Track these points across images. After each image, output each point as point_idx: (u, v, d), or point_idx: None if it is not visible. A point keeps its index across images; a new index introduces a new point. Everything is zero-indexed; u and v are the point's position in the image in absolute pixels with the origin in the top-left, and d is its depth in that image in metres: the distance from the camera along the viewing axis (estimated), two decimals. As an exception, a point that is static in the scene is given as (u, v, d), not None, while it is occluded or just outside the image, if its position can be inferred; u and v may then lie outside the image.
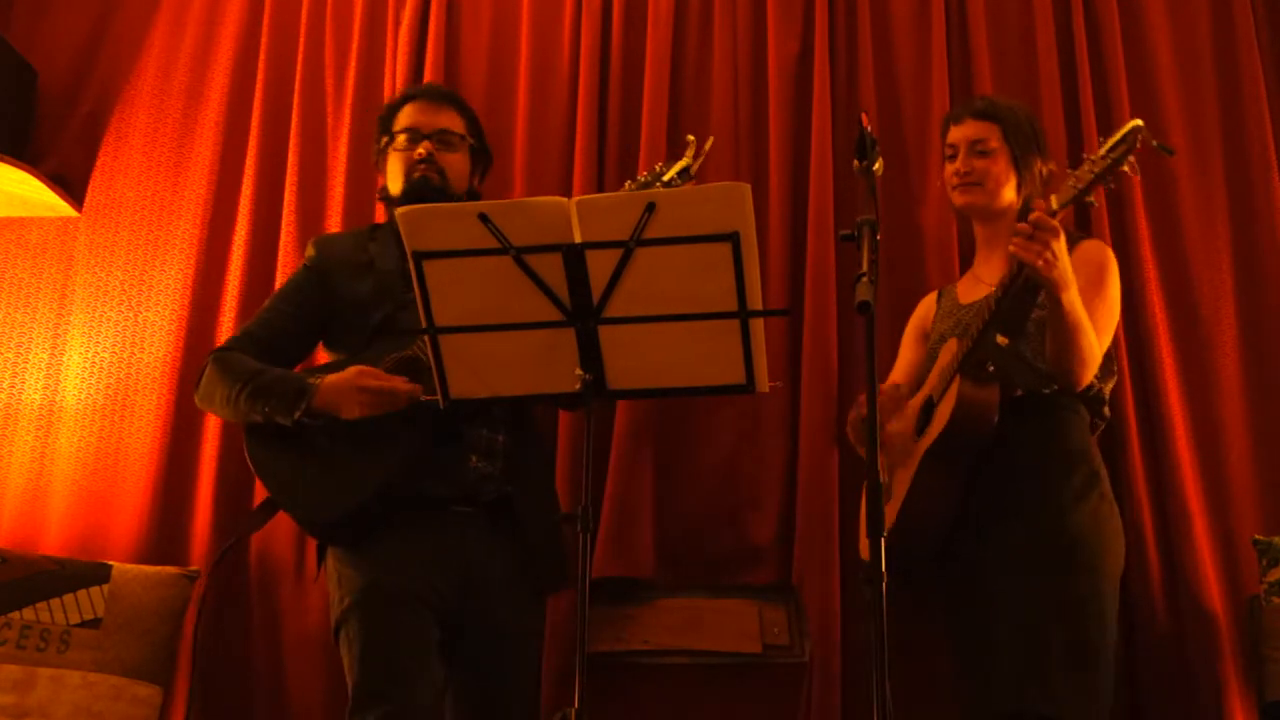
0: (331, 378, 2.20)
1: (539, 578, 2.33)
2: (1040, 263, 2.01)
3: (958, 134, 2.45)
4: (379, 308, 2.31)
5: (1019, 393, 2.25)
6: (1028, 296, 2.20)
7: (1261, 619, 2.61)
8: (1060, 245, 2.03)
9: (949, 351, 2.32)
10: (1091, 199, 2.04)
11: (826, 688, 2.73)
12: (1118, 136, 1.99)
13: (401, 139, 2.46)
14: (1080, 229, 2.94)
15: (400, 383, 2.17)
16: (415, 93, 2.56)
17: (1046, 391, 2.26)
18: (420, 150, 2.43)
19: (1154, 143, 1.98)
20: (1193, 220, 3.05)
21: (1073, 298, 2.09)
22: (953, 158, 2.45)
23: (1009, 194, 2.42)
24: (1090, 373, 2.21)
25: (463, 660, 2.25)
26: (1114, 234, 2.98)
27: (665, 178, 2.34)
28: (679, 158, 2.40)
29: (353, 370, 2.19)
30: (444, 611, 2.19)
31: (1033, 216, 2.02)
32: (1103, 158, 2.00)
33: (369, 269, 2.38)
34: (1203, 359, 2.96)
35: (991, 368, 2.19)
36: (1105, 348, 2.27)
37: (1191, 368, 2.95)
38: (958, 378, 2.19)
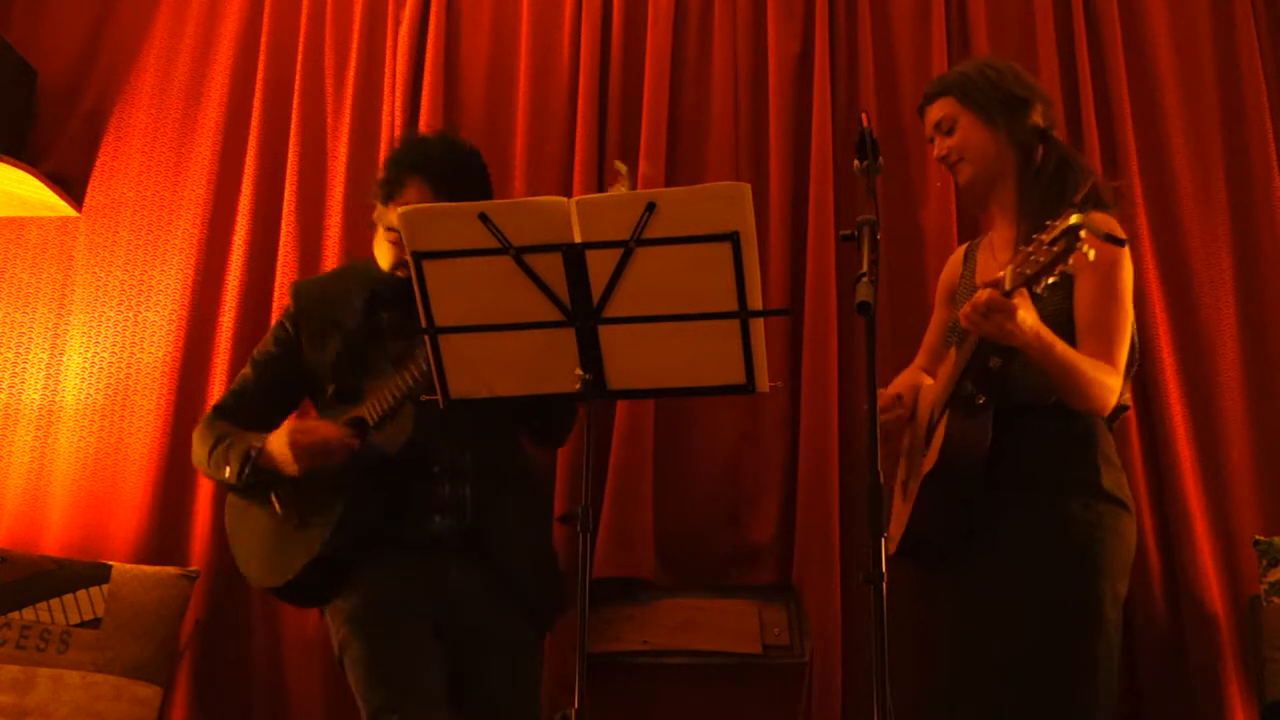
0: (271, 436, 2.23)
1: (527, 609, 2.30)
2: (998, 336, 1.94)
3: (927, 125, 2.40)
4: (335, 379, 2.32)
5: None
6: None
7: (1261, 619, 2.61)
8: (1021, 316, 1.92)
9: (949, 362, 2.26)
10: (1041, 290, 1.85)
11: (826, 688, 2.73)
12: (1056, 231, 1.79)
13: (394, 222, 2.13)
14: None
15: (332, 431, 2.19)
16: (426, 167, 2.26)
17: (1050, 401, 2.17)
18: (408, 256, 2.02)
19: (1101, 236, 1.75)
20: (1193, 220, 3.05)
21: (1045, 352, 2.00)
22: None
23: (994, 151, 2.29)
24: (1106, 398, 2.10)
25: (458, 677, 2.25)
26: (1114, 234, 2.98)
27: None
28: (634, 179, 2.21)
29: (286, 426, 2.23)
30: (437, 624, 2.21)
31: (985, 297, 1.90)
32: (1049, 245, 1.81)
33: (335, 329, 2.33)
34: (1203, 359, 2.96)
35: (981, 399, 2.12)
36: (1125, 348, 2.15)
37: (1191, 368, 2.95)
38: (947, 411, 2.14)
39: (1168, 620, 2.76)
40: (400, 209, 1.92)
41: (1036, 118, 2.29)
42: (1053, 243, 1.79)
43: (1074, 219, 1.76)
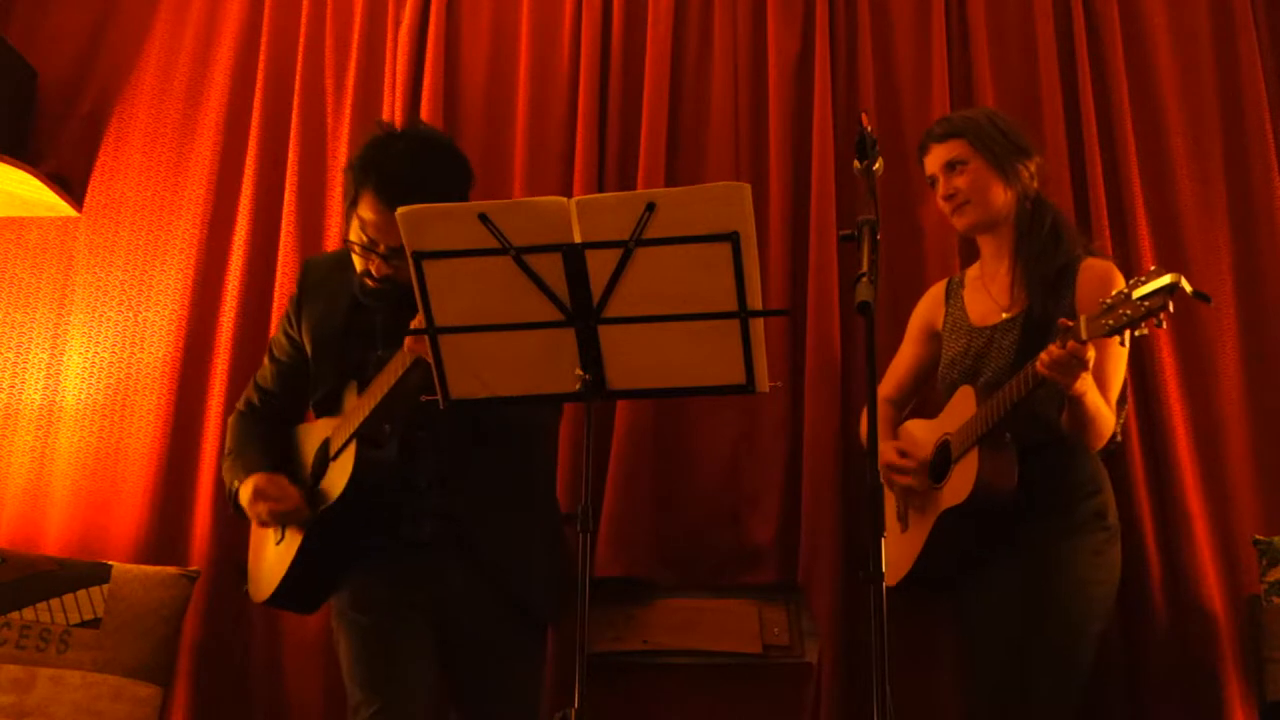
0: (247, 481, 2.30)
1: (526, 614, 2.30)
2: (1067, 384, 2.06)
3: (931, 163, 2.48)
4: (316, 384, 2.37)
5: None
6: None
7: (1261, 619, 2.61)
8: (1088, 366, 2.06)
9: (966, 400, 2.31)
10: (1123, 342, 1.98)
11: (827, 688, 2.72)
12: (1155, 286, 1.90)
13: (355, 235, 2.21)
14: (1080, 224, 2.93)
15: (290, 504, 2.24)
16: (376, 182, 2.15)
17: (1059, 436, 2.28)
18: (372, 267, 2.20)
19: (1190, 291, 1.91)
20: (1193, 220, 3.05)
21: (1093, 397, 2.14)
22: (935, 186, 2.48)
23: (999, 196, 2.41)
24: (1106, 437, 2.24)
25: (453, 678, 2.28)
26: (1114, 234, 2.98)
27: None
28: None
29: (253, 484, 2.28)
30: (433, 624, 2.22)
31: (1070, 347, 2.00)
32: (1138, 300, 1.91)
33: (320, 322, 2.35)
34: (1203, 359, 2.96)
35: (1008, 436, 2.22)
36: (1120, 385, 2.29)
37: (1191, 368, 2.95)
38: (976, 449, 2.21)
39: (1168, 620, 2.75)
40: (399, 211, 1.88)
41: (1033, 169, 2.44)
42: (1146, 298, 1.90)
43: (1170, 277, 1.89)
